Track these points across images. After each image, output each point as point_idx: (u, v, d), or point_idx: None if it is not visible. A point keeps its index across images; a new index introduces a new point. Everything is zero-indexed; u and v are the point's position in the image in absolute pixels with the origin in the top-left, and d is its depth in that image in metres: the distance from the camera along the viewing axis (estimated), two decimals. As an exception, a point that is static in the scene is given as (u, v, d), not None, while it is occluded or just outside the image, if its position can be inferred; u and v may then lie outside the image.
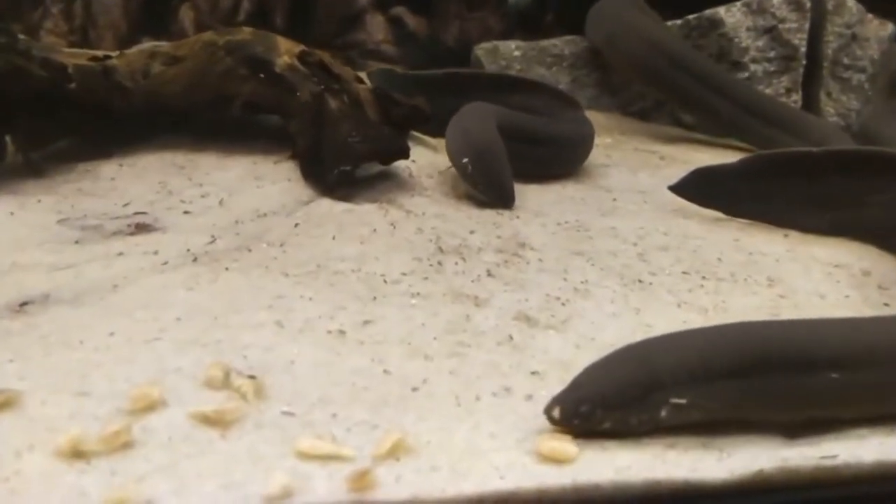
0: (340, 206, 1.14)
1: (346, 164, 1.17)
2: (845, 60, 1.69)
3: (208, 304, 0.88)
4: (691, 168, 1.23)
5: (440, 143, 1.29)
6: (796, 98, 1.67)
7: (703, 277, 1.03)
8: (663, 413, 0.70)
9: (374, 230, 1.08)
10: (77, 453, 0.64)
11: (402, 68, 1.68)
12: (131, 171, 1.22)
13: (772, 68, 1.66)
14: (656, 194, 1.27)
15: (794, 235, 1.16)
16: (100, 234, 1.03)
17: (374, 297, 0.92)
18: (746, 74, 1.64)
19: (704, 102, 1.54)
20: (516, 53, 1.69)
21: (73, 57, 1.25)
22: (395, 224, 1.10)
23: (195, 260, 0.97)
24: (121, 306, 0.87)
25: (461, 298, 0.93)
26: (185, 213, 1.10)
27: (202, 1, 1.87)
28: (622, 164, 1.44)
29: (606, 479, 0.66)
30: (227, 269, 0.96)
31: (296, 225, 1.08)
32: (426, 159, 1.33)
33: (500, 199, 1.20)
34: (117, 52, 1.32)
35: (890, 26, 1.72)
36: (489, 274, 1.00)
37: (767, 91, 1.63)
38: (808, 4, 1.65)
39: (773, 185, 1.18)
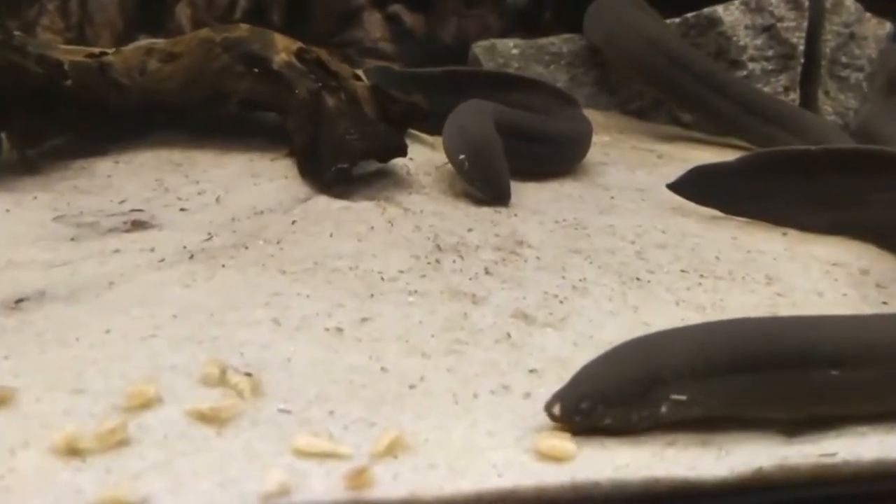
0: (338, 204, 1.13)
1: (343, 161, 1.16)
2: (843, 59, 1.69)
3: (205, 302, 0.87)
4: (689, 166, 1.22)
5: (438, 140, 1.29)
6: (794, 97, 1.66)
7: (702, 275, 1.03)
8: (664, 409, 0.70)
9: (372, 228, 1.07)
10: (72, 451, 0.63)
11: (399, 66, 1.68)
12: (127, 168, 1.22)
13: (770, 67, 1.65)
14: (654, 192, 1.27)
15: (793, 234, 1.16)
16: (96, 231, 1.03)
17: (372, 295, 0.92)
18: (744, 73, 1.64)
19: (703, 101, 1.54)
20: (514, 51, 1.68)
21: (70, 54, 1.24)
22: (392, 222, 1.10)
23: (192, 257, 0.97)
24: (117, 303, 0.86)
25: (459, 296, 0.93)
26: (182, 210, 1.10)
27: (199, -2, 1.87)
28: (620, 163, 1.43)
29: (605, 477, 0.65)
30: (223, 266, 0.95)
31: (293, 222, 1.08)
32: (424, 157, 1.32)
33: (496, 196, 1.19)
34: (114, 49, 1.31)
35: (888, 25, 1.72)
36: (487, 272, 0.99)
37: (765, 90, 1.63)
38: (807, 3, 1.65)
39: (772, 183, 1.17)
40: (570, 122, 1.39)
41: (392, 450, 0.66)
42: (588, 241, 1.10)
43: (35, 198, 1.10)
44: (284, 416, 0.70)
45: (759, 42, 1.65)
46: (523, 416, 0.72)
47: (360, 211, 1.12)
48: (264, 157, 1.27)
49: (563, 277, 0.99)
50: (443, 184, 1.24)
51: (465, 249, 1.04)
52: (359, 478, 0.62)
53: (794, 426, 0.72)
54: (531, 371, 0.80)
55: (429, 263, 1.00)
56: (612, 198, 1.27)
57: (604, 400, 0.70)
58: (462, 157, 1.19)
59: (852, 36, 1.69)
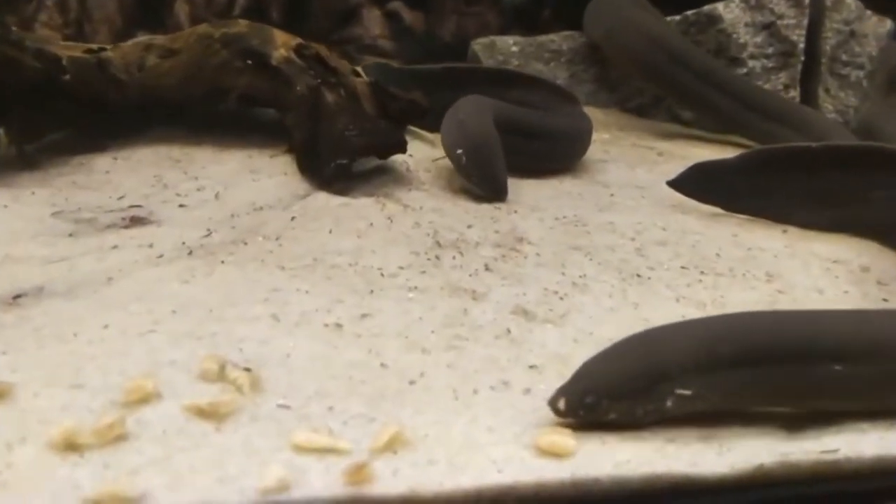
0: (337, 200, 1.13)
1: (342, 157, 1.16)
2: (844, 57, 1.69)
3: (203, 297, 0.87)
4: (690, 164, 1.22)
5: (437, 137, 1.28)
6: (794, 94, 1.66)
7: (702, 272, 1.02)
8: (669, 403, 0.70)
9: (371, 224, 1.07)
10: (70, 446, 0.63)
11: (398, 63, 1.67)
12: (126, 164, 1.22)
13: (770, 64, 1.65)
14: (654, 190, 1.27)
15: (793, 231, 1.16)
16: (94, 227, 1.02)
17: (372, 291, 0.91)
18: (744, 70, 1.64)
19: (704, 98, 1.53)
20: (514, 49, 1.68)
21: (68, 49, 1.24)
22: (392, 218, 1.09)
23: (190, 253, 0.97)
24: (115, 299, 0.86)
25: (459, 292, 0.93)
26: (181, 206, 1.09)
27: (198, -5, 1.86)
28: (620, 160, 1.43)
29: (605, 474, 0.65)
30: (222, 262, 0.95)
31: (292, 218, 1.07)
32: (423, 154, 1.32)
33: (493, 191, 1.19)
34: (112, 45, 1.31)
35: (888, 23, 1.72)
36: (487, 268, 0.99)
37: (766, 87, 1.63)
38: (807, 1, 1.65)
39: (772, 180, 1.17)
40: (569, 119, 1.39)
41: (392, 445, 0.66)
42: (588, 238, 1.10)
43: (33, 193, 1.10)
44: (284, 412, 0.69)
45: (759, 39, 1.65)
46: (523, 412, 0.72)
47: (359, 207, 1.12)
48: (263, 154, 1.26)
49: (563, 274, 0.99)
50: (442, 180, 1.24)
51: (464, 246, 1.04)
52: (358, 473, 0.62)
53: (795, 422, 0.72)
54: (531, 367, 0.79)
55: (428, 260, 1.00)
56: (612, 195, 1.27)
57: (609, 394, 0.69)
58: (460, 151, 1.19)
59: (853, 33, 1.69)
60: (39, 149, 1.21)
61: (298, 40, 1.30)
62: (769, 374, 0.70)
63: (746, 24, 1.64)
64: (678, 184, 1.21)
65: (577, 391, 0.70)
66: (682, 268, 1.03)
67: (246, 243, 1.00)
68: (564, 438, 0.67)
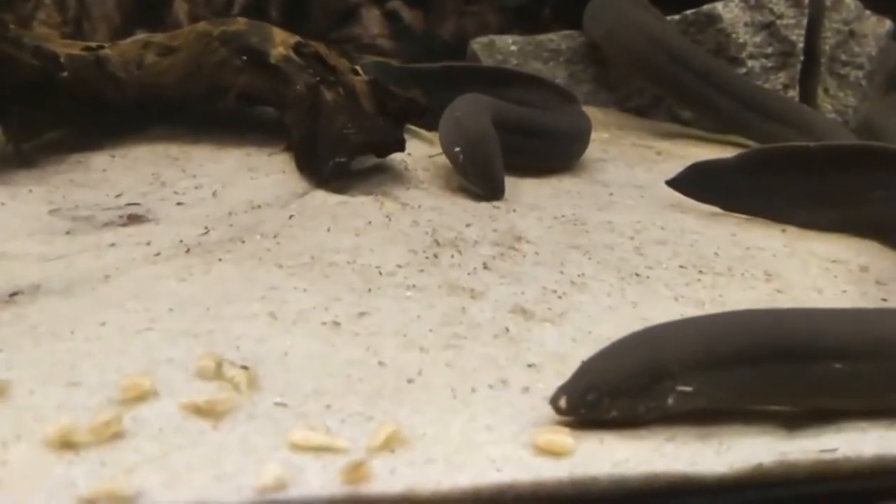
0: (335, 199, 1.13)
1: (341, 155, 1.16)
2: (843, 57, 1.69)
3: (201, 295, 0.87)
4: (688, 163, 1.22)
5: (436, 136, 1.28)
6: (793, 94, 1.66)
7: (701, 271, 1.02)
8: (671, 401, 0.70)
9: (370, 222, 1.07)
10: (66, 444, 0.62)
11: (397, 62, 1.67)
12: (124, 162, 1.21)
13: (769, 64, 1.65)
14: (653, 189, 1.26)
15: (792, 230, 1.16)
16: (91, 224, 1.02)
17: (370, 289, 0.91)
18: (744, 70, 1.64)
19: (704, 98, 1.53)
20: (513, 48, 1.68)
21: (66, 47, 1.24)
22: (390, 216, 1.09)
23: (188, 251, 0.96)
24: (112, 297, 0.86)
25: (457, 291, 0.92)
26: (178, 204, 1.09)
27: (197, -7, 1.86)
28: (619, 159, 1.43)
29: (604, 473, 0.65)
30: (220, 260, 0.95)
31: (290, 217, 1.07)
32: (422, 152, 1.32)
33: (490, 189, 1.19)
34: (111, 43, 1.31)
35: (887, 23, 1.72)
36: (485, 267, 0.99)
37: (765, 87, 1.63)
38: (806, 0, 1.65)
39: (771, 180, 1.17)
40: (569, 119, 1.39)
41: (389, 444, 0.65)
42: (587, 237, 1.09)
43: (31, 191, 1.10)
44: (281, 410, 0.69)
45: (758, 39, 1.64)
46: (522, 411, 0.72)
47: (357, 205, 1.12)
48: (261, 152, 1.26)
49: (562, 273, 0.99)
50: (441, 179, 1.24)
51: (463, 244, 1.04)
52: (356, 472, 0.62)
53: (794, 421, 0.72)
54: (529, 366, 0.79)
55: (427, 258, 0.99)
56: (611, 194, 1.27)
57: (610, 392, 0.69)
58: (457, 149, 1.19)
59: (852, 33, 1.69)
60: (37, 146, 1.21)
61: (297, 38, 1.30)
62: (770, 371, 0.70)
63: (746, 24, 1.64)
64: (677, 183, 1.21)
65: (578, 389, 0.70)
66: (681, 267, 1.03)
67: (243, 241, 1.00)
68: (563, 437, 0.67)
